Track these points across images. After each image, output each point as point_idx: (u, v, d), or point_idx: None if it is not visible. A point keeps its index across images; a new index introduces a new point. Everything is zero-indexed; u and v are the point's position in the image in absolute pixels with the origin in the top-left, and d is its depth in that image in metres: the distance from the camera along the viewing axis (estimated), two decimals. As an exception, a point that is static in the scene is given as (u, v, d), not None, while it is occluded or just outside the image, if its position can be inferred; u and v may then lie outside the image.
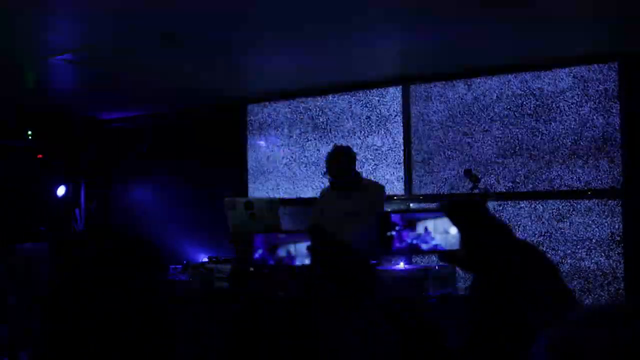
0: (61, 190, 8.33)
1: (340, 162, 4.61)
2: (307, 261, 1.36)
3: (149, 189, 8.46)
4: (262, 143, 7.44)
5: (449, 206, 1.03)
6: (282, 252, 1.40)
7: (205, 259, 4.26)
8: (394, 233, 1.05)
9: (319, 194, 4.99)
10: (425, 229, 1.05)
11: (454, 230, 1.03)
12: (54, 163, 8.27)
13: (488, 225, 1.00)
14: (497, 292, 0.95)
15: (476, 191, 4.53)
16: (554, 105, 5.67)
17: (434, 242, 1.05)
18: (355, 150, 6.56)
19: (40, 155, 8.15)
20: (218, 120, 7.76)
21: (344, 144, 6.61)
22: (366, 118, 6.66)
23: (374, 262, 4.08)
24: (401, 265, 3.79)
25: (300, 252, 1.38)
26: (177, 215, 8.00)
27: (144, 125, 8.34)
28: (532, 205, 5.75)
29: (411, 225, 1.05)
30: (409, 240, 1.05)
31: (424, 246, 1.05)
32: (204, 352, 3.46)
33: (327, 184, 4.85)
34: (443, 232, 1.04)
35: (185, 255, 5.58)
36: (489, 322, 0.96)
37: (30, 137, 7.83)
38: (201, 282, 4.07)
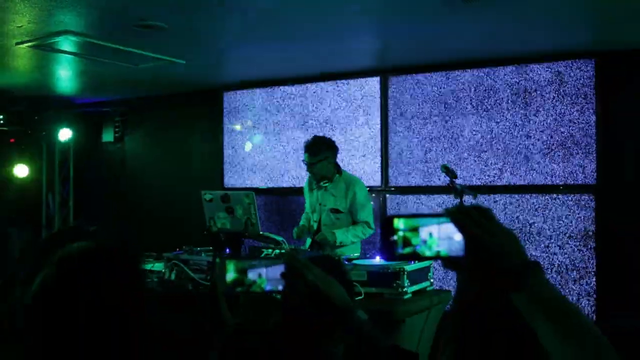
0: (22, 171, 8.13)
1: (318, 162, 4.55)
2: (280, 287, 1.29)
3: (124, 175, 8.35)
4: (239, 130, 7.36)
5: (455, 212, 1.00)
6: (253, 276, 1.33)
7: (180, 250, 4.19)
8: (396, 238, 1.02)
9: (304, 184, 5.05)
10: (430, 234, 1.03)
11: (458, 237, 1.01)
12: (27, 147, 8.11)
13: (495, 232, 0.98)
14: (500, 301, 0.93)
15: (452, 185, 4.53)
16: (530, 100, 5.71)
17: (437, 248, 1.02)
18: (332, 139, 6.58)
19: (12, 140, 7.98)
20: (195, 107, 7.68)
21: (321, 133, 6.62)
22: (344, 108, 6.63)
23: (351, 256, 4.05)
24: (377, 259, 3.76)
25: (272, 276, 1.31)
26: (151, 203, 7.91)
27: (120, 110, 8.21)
28: (507, 199, 5.80)
29: (415, 230, 1.03)
30: (412, 245, 1.02)
31: (428, 252, 1.03)
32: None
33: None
34: (447, 238, 1.02)
35: (159, 244, 5.49)
36: (489, 331, 0.94)
37: (2, 122, 7.65)
38: (176, 273, 4.00)
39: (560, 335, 0.92)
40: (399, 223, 1.02)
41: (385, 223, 1.03)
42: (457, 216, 0.99)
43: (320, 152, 4.55)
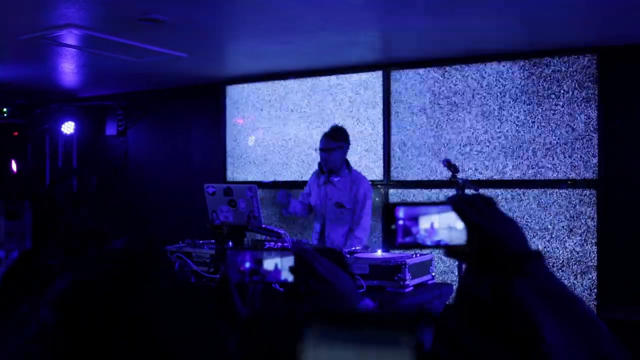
0: (25, 164, 8.16)
1: (336, 149, 4.55)
2: (290, 278, 1.34)
3: (127, 168, 8.37)
4: (241, 124, 7.37)
5: (457, 200, 1.01)
6: (268, 266, 1.38)
7: (183, 243, 4.20)
8: (396, 226, 1.03)
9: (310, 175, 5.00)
10: (431, 223, 1.03)
11: (460, 225, 1.01)
12: (30, 140, 8.13)
13: (497, 220, 0.99)
14: (503, 290, 0.94)
15: (454, 180, 4.54)
16: (533, 95, 5.70)
17: (438, 237, 1.03)
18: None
19: (15, 133, 8.00)
20: (197, 100, 7.69)
21: (323, 128, 6.62)
22: (347, 102, 6.63)
23: (352, 250, 4.06)
24: (379, 253, 3.77)
25: (285, 266, 1.37)
26: (154, 196, 7.93)
27: (123, 104, 8.23)
28: (509, 194, 5.80)
29: (416, 219, 1.03)
30: (413, 234, 1.03)
31: (428, 241, 1.03)
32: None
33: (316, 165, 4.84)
34: (448, 227, 1.02)
35: (162, 236, 5.52)
36: (492, 322, 0.95)
37: (5, 115, 7.67)
38: (179, 266, 4.02)
39: (561, 323, 0.92)
40: (399, 211, 1.03)
41: (386, 211, 1.03)
42: (459, 205, 1.00)
43: (340, 139, 4.56)
